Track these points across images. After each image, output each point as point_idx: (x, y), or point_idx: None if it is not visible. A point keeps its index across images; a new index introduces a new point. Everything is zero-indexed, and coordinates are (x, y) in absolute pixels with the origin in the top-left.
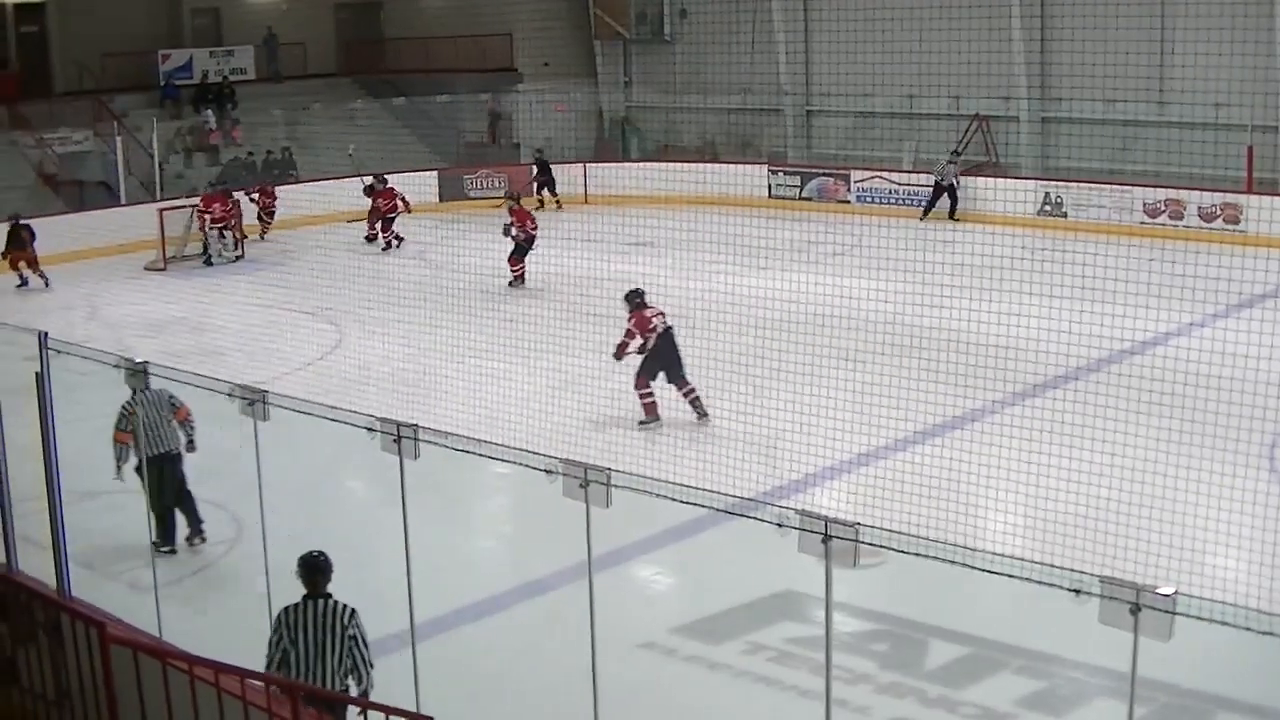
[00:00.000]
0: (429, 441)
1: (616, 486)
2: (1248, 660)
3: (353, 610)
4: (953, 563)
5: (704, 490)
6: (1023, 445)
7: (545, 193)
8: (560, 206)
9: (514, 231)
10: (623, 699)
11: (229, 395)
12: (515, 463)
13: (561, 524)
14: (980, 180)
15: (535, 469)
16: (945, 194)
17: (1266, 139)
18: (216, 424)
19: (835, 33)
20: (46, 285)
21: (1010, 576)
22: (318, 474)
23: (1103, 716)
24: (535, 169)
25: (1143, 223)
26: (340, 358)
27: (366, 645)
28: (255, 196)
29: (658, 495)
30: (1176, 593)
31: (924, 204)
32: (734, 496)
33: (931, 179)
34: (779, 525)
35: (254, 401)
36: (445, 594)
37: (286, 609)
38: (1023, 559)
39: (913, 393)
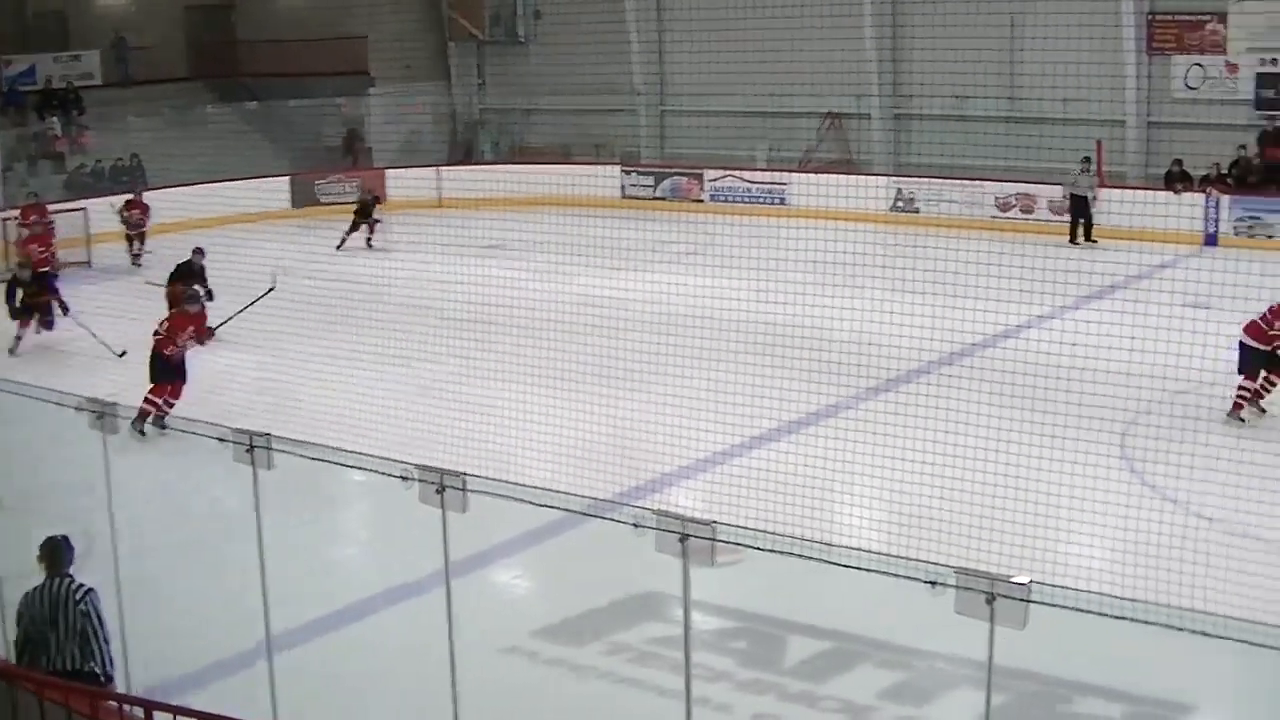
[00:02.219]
0: (283, 451)
1: (472, 491)
2: (1103, 645)
3: (88, 589)
4: (810, 558)
5: (561, 493)
6: (878, 440)
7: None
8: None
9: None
10: (486, 704)
11: (76, 409)
12: (372, 470)
13: (422, 530)
14: (833, 176)
15: (392, 476)
16: (1079, 208)
17: (1115, 133)
18: (67, 440)
19: (689, 32)
20: None
21: (867, 571)
22: (173, 486)
23: (962, 705)
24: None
25: (994, 217)
26: (198, 366)
27: (102, 624)
28: (128, 214)
29: (514, 499)
30: (1031, 582)
31: (1068, 223)
32: (591, 498)
33: (1063, 192)
34: (635, 526)
35: (103, 415)
36: (306, 603)
37: (27, 592)
38: (879, 553)
39: (768, 390)
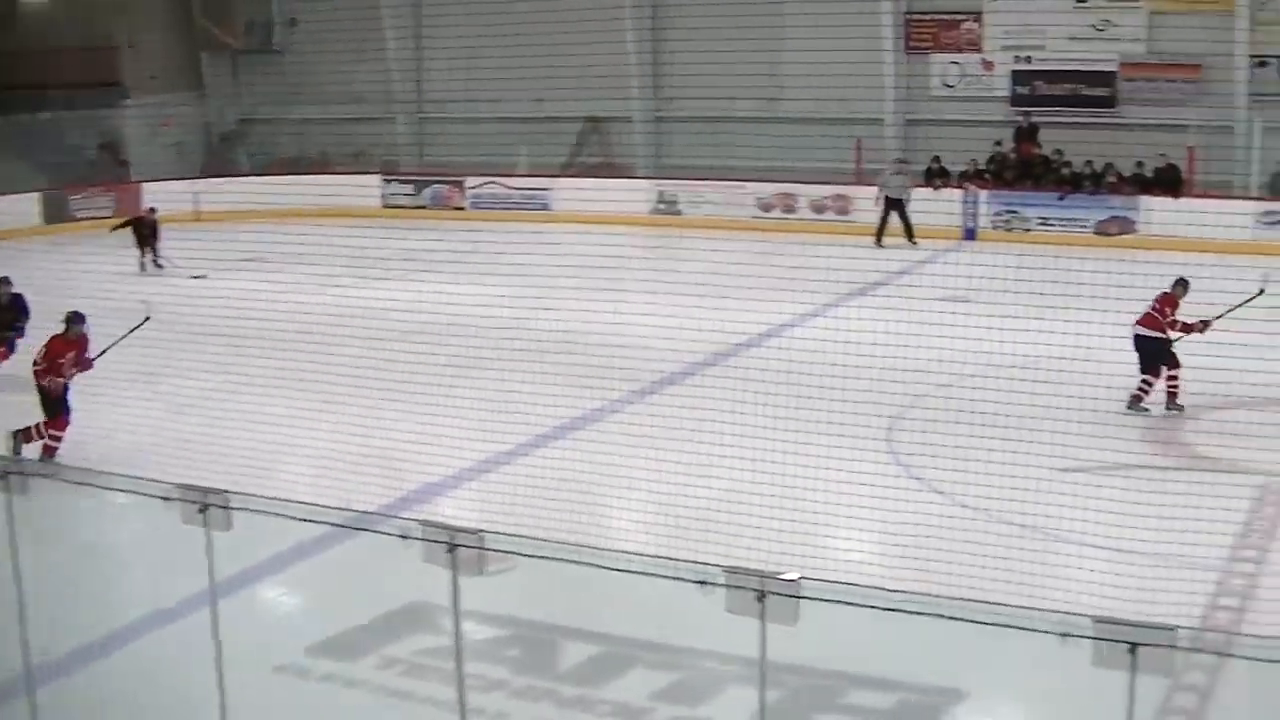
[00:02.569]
0: (37, 475)
1: (235, 509)
2: (874, 637)
3: None
4: (579, 563)
5: (327, 507)
6: (645, 442)
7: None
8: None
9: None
10: None
11: None
12: (133, 492)
13: (187, 550)
14: (595, 180)
15: (153, 496)
16: (894, 210)
17: (875, 131)
18: None
19: (449, 39)
20: None
21: (638, 574)
22: None
23: (737, 703)
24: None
25: (756, 217)
26: None
27: None
28: None
29: (279, 515)
30: (801, 578)
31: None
32: (358, 511)
33: (877, 194)
34: (403, 537)
35: None
36: (70, 631)
37: None
38: (649, 555)
39: (534, 396)
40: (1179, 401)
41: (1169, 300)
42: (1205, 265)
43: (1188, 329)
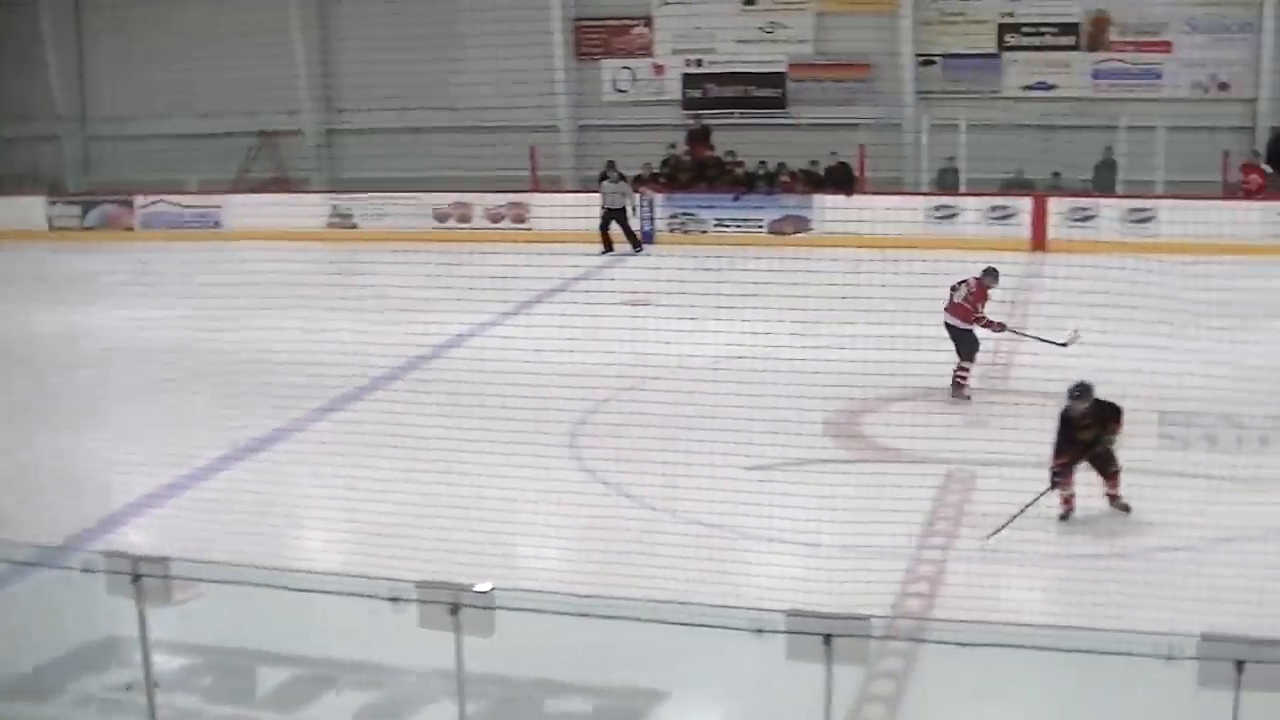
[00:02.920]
0: None
1: None
2: (572, 643)
3: None
4: (269, 586)
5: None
6: (331, 459)
7: None
8: None
9: None
10: None
11: None
12: None
13: None
14: (268, 195)
15: None
16: (615, 218)
17: (549, 138)
18: None
19: (114, 54)
20: None
21: (330, 593)
22: None
23: (438, 717)
24: None
25: (434, 228)
26: None
27: None
28: None
29: None
30: (494, 589)
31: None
32: (37, 546)
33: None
34: (84, 570)
35: None
36: None
37: None
38: (340, 574)
39: (216, 417)
40: (965, 393)
41: (980, 293)
42: (879, 260)
43: (989, 325)
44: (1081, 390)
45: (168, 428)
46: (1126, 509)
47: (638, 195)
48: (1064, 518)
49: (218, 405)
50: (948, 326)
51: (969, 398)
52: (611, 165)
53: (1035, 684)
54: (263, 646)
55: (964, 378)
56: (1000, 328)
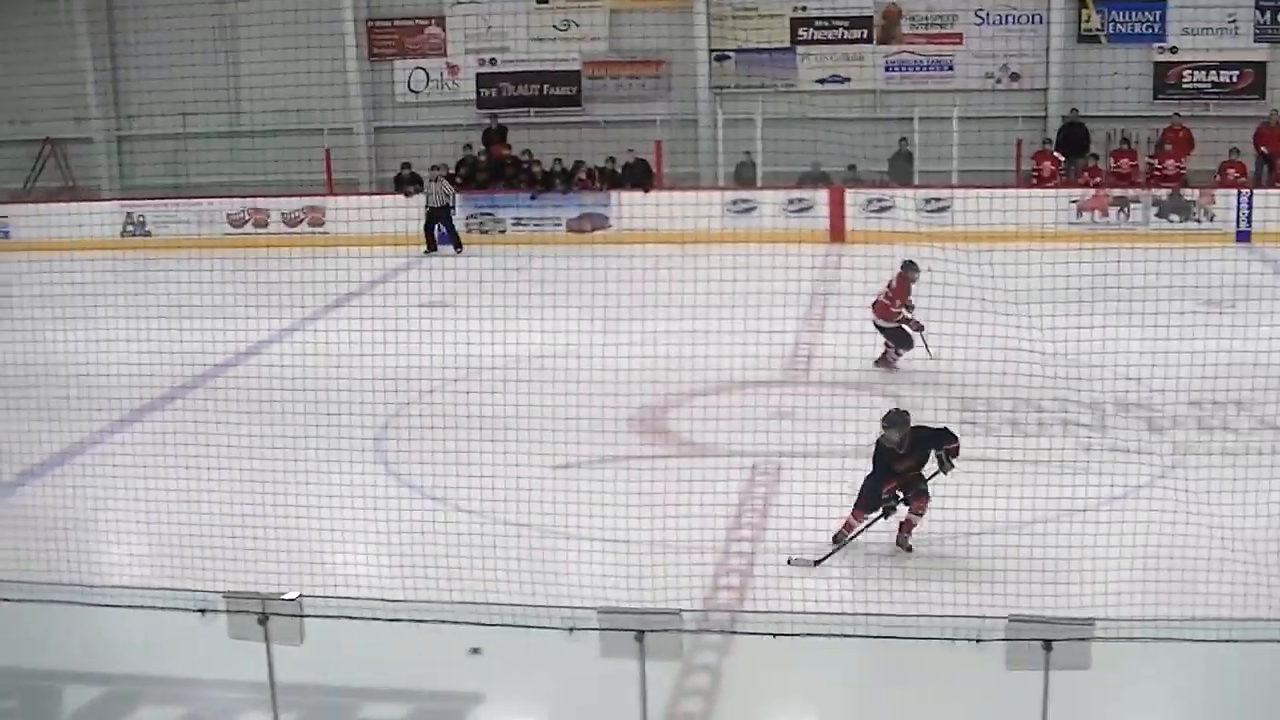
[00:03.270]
0: None
1: None
2: (385, 648)
3: None
4: (71, 603)
5: None
6: (132, 472)
7: None
8: None
9: None
10: None
11: None
12: None
13: None
14: (57, 205)
15: None
16: (439, 219)
17: (343, 140)
18: None
19: None
20: None
21: (135, 608)
22: None
23: None
24: None
25: (227, 234)
26: None
27: None
28: None
29: None
30: (301, 596)
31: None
32: None
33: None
34: None
35: None
36: None
37: None
38: (144, 587)
39: (11, 434)
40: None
41: (901, 288)
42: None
43: (907, 321)
44: (892, 419)
45: None
46: (908, 549)
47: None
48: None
49: (12, 421)
50: (875, 324)
51: (897, 368)
52: (435, 168)
53: (849, 670)
54: (68, 666)
55: (892, 358)
56: (918, 326)
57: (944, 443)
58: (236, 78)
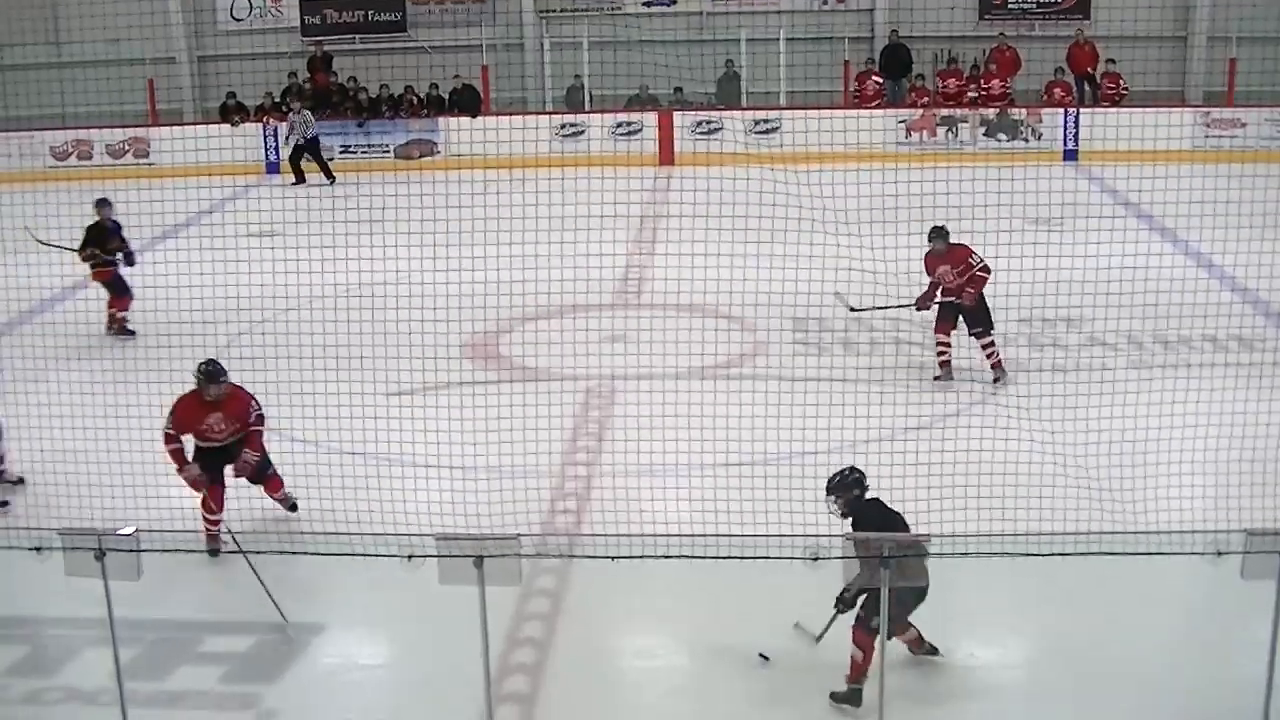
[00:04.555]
0: None
1: None
2: (225, 581)
3: None
4: None
5: None
6: None
7: None
8: None
9: None
10: None
11: None
12: None
13: None
14: None
15: None
16: (309, 151)
17: (165, 70)
18: None
19: None
20: None
21: None
22: None
23: (94, 665)
24: None
25: (52, 166)
26: None
27: None
28: None
29: None
30: (138, 530)
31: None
32: None
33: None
34: None
35: None
36: None
37: None
38: None
39: None
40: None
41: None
42: (507, 180)
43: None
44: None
45: None
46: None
47: (262, 124)
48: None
49: None
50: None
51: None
52: (296, 93)
53: (685, 593)
54: None
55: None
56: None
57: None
58: (55, 5)
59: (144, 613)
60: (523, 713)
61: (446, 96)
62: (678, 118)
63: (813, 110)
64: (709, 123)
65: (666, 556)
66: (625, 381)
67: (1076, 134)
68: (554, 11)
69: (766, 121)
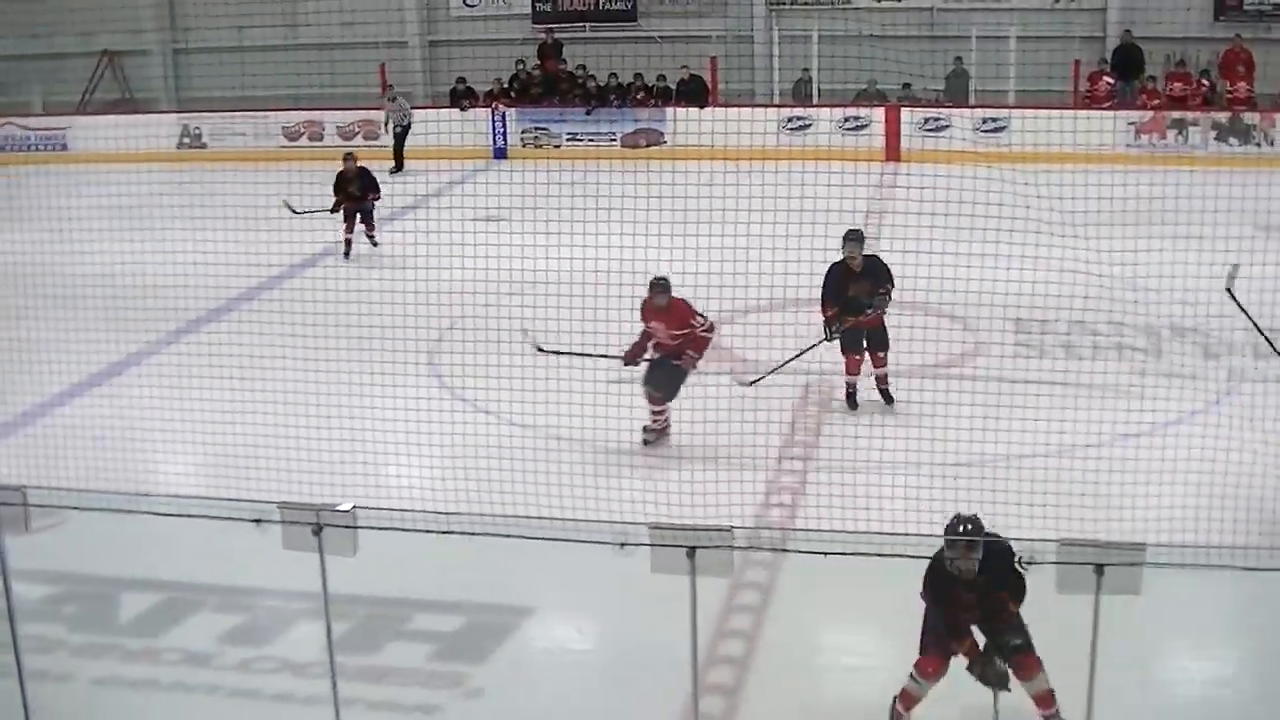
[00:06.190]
0: None
1: None
2: (437, 560)
3: None
4: (129, 512)
5: None
6: (188, 383)
7: None
8: None
9: None
10: None
11: None
12: None
13: None
14: (114, 117)
15: None
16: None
17: (397, 54)
18: None
19: None
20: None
21: (191, 516)
22: None
23: (305, 638)
24: None
25: (283, 146)
26: None
27: None
28: None
29: None
30: (355, 508)
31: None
32: None
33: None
34: None
35: None
36: None
37: None
38: (203, 497)
39: (71, 344)
40: None
41: None
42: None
43: None
44: (853, 234)
45: (21, 355)
46: (889, 399)
47: (490, 109)
48: (849, 400)
49: (72, 331)
50: None
51: None
52: (390, 85)
53: (896, 592)
54: (125, 573)
55: None
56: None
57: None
58: None
59: (358, 588)
60: (728, 704)
61: (674, 87)
62: (905, 114)
63: (1042, 110)
64: (937, 119)
65: (879, 554)
66: (844, 377)
67: None
68: (784, 5)
69: (995, 120)
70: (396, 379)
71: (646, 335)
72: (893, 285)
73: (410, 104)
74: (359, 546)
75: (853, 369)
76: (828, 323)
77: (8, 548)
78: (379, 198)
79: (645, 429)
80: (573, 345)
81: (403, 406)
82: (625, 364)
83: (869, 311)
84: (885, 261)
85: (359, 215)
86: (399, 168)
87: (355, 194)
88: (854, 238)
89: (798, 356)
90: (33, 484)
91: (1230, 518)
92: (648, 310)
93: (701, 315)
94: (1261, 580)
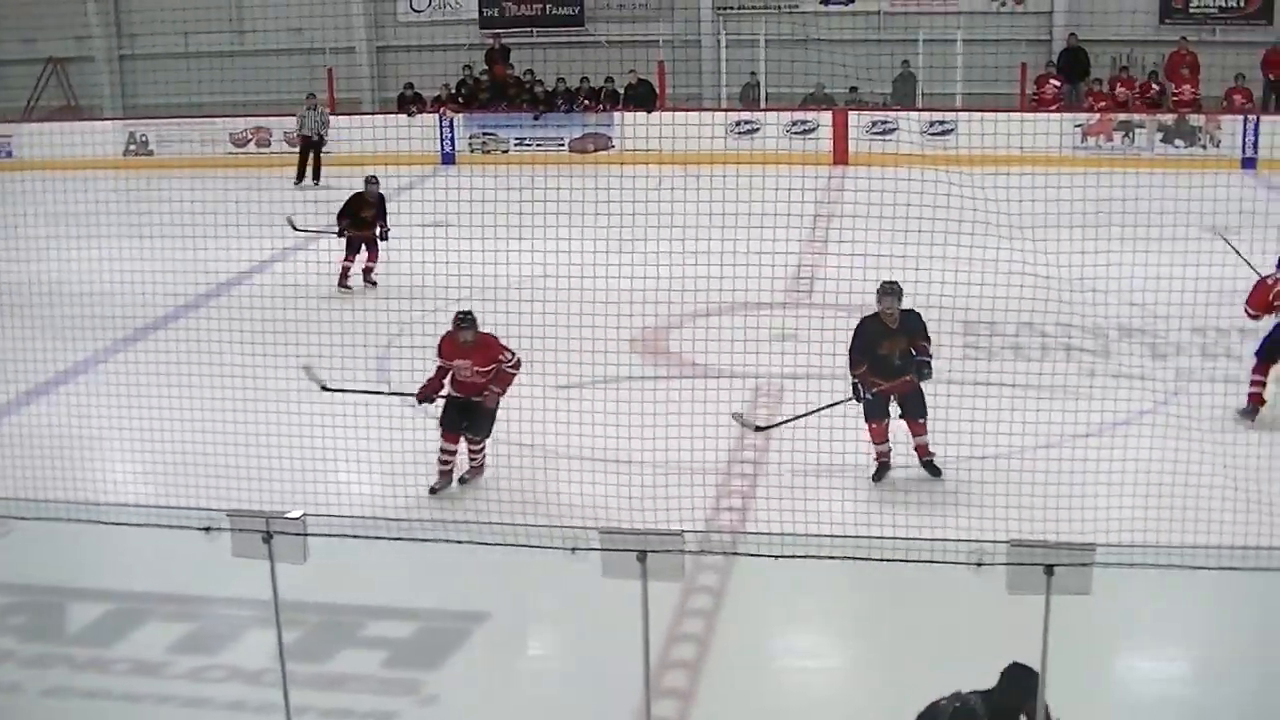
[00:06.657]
0: None
1: None
2: (389, 567)
3: None
4: (77, 521)
5: None
6: (135, 391)
7: None
8: None
9: None
10: None
11: None
12: None
13: None
14: (60, 124)
15: None
16: (312, 148)
17: (345, 60)
18: None
19: None
20: None
21: (139, 525)
22: None
23: (256, 646)
24: None
25: (230, 153)
26: None
27: None
28: None
29: None
30: (305, 515)
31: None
32: None
33: (294, 133)
34: None
35: None
36: None
37: None
38: (150, 505)
39: (15, 353)
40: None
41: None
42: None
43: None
44: (890, 288)
45: None
46: (934, 471)
47: (438, 115)
48: (877, 477)
49: (16, 340)
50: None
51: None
52: (311, 96)
53: (848, 594)
54: (74, 583)
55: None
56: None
57: (926, 337)
58: None
59: (309, 596)
60: (681, 708)
61: (622, 91)
62: (853, 117)
63: (989, 112)
64: (884, 123)
65: (830, 557)
66: (794, 380)
67: (1256, 142)
68: (732, 8)
69: (942, 123)
70: (347, 384)
71: (443, 371)
72: (929, 343)
73: (330, 113)
74: (309, 554)
75: (879, 437)
76: (859, 383)
77: None
78: (388, 231)
79: (462, 477)
80: (376, 383)
81: (352, 413)
82: (419, 402)
83: (907, 377)
84: (923, 318)
85: (364, 244)
86: (300, 178)
87: (368, 220)
88: (891, 291)
89: (816, 412)
90: None
91: (1179, 517)
92: (449, 346)
93: (509, 350)
94: (1210, 579)
